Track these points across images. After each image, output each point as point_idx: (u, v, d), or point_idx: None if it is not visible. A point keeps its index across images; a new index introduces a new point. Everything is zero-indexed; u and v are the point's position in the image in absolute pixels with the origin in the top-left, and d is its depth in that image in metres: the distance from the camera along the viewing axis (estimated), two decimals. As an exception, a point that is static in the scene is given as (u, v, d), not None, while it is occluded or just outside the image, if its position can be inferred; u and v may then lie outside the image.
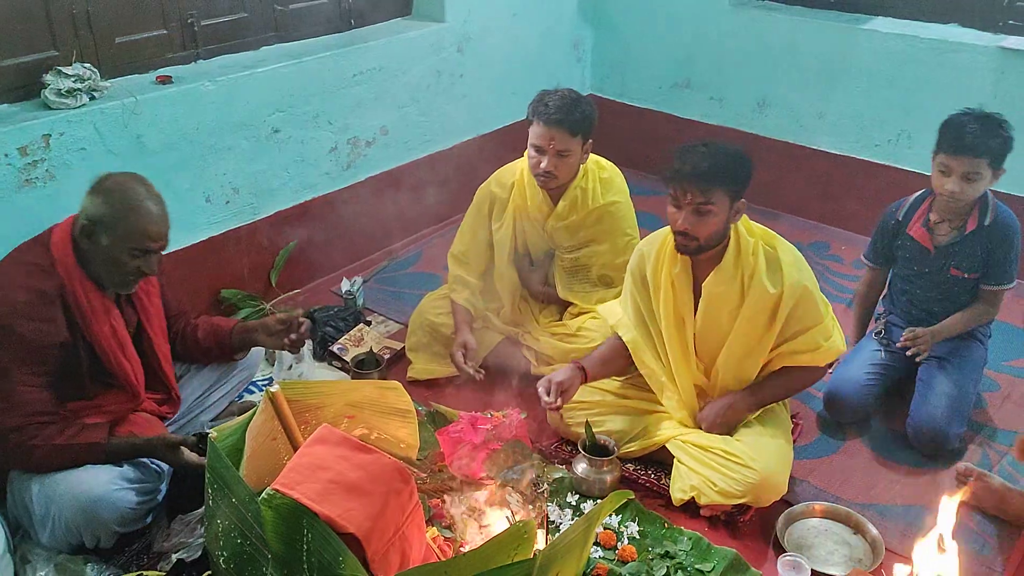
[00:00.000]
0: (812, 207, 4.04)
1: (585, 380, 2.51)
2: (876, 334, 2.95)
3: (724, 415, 2.48)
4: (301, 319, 2.47)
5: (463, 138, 4.04)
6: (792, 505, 2.42)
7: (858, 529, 2.36)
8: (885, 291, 3.02)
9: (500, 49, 4.08)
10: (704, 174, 2.26)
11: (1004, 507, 2.39)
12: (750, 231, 2.40)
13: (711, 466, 2.39)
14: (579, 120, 2.69)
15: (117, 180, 2.12)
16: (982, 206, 2.67)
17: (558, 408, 2.43)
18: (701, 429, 2.50)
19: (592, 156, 2.87)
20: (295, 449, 2.00)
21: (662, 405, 2.56)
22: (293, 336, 2.45)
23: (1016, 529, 2.37)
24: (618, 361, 2.60)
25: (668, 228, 2.41)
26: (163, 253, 2.20)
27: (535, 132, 2.74)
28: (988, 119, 2.55)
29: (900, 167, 3.70)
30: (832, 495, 2.50)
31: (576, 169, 2.82)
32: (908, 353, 2.71)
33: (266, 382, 2.93)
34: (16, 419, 2.04)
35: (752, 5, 4.11)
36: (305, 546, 1.65)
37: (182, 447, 2.18)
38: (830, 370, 2.67)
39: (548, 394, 2.42)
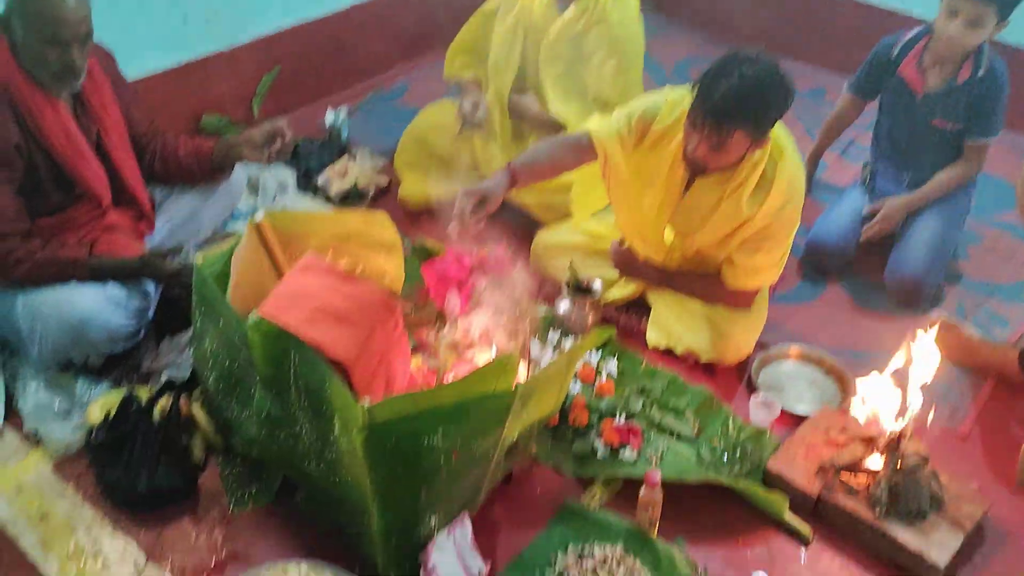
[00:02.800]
0: (813, 52, 3.91)
1: (513, 185, 2.30)
2: (862, 182, 2.95)
3: (630, 269, 2.53)
4: (285, 129, 2.41)
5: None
6: (768, 348, 2.48)
7: (830, 372, 2.43)
8: (872, 140, 2.99)
9: None
10: (728, 113, 2.00)
11: (973, 357, 2.46)
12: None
13: (685, 322, 2.44)
14: None
15: None
16: (977, 56, 2.61)
17: (464, 228, 2.21)
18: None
19: None
20: (280, 278, 2.01)
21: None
22: (278, 146, 2.40)
23: (982, 378, 2.45)
24: (556, 160, 2.37)
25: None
26: (125, 79, 2.22)
27: None
28: None
29: (911, 15, 3.55)
30: (807, 340, 2.55)
31: None
32: (865, 233, 2.74)
33: (250, 211, 2.90)
34: (1, 224, 2.04)
35: None
36: (292, 369, 1.68)
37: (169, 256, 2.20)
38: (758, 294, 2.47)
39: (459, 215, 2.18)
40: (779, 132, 2.20)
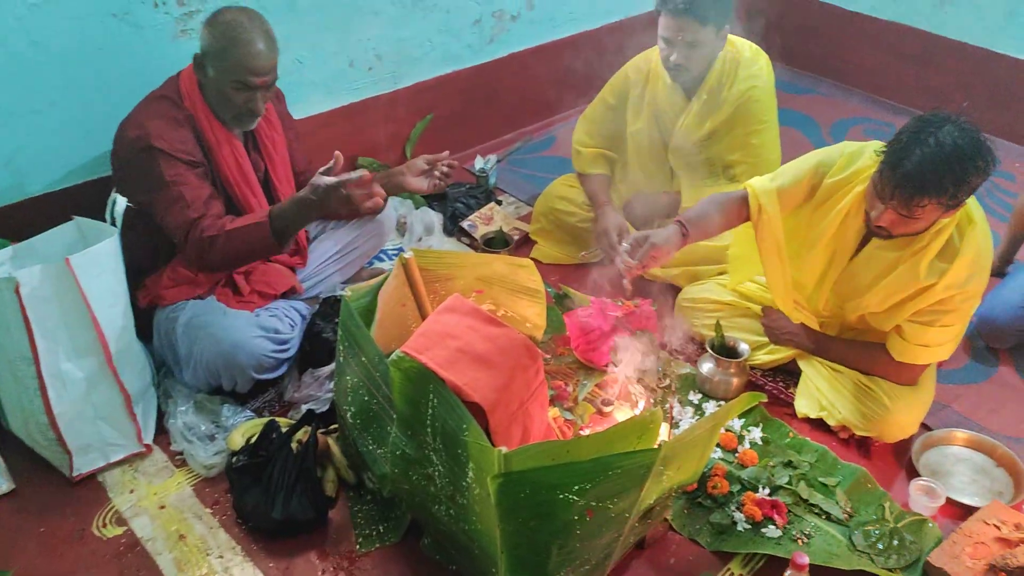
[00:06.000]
0: (988, 117, 3.68)
1: (685, 241, 2.17)
2: None
3: (782, 334, 2.39)
4: (448, 161, 2.43)
5: (611, 19, 3.85)
6: (931, 430, 2.28)
7: (1002, 462, 2.21)
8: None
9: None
10: (922, 183, 1.86)
11: None
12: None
13: (840, 392, 2.27)
14: (709, 7, 2.47)
15: (228, 13, 2.12)
16: None
17: (638, 272, 2.13)
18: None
19: (731, 38, 2.64)
20: (423, 317, 2.01)
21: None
22: (445, 169, 2.41)
23: None
24: (717, 218, 2.23)
25: (872, 153, 2.09)
26: (301, 124, 2.22)
27: (662, 23, 2.57)
28: None
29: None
30: (976, 424, 2.34)
31: (711, 59, 2.61)
32: None
33: (396, 251, 2.96)
34: (196, 209, 2.12)
35: None
36: (430, 410, 1.66)
37: (340, 187, 2.12)
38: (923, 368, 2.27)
39: (632, 255, 2.10)
40: (969, 199, 2.03)
